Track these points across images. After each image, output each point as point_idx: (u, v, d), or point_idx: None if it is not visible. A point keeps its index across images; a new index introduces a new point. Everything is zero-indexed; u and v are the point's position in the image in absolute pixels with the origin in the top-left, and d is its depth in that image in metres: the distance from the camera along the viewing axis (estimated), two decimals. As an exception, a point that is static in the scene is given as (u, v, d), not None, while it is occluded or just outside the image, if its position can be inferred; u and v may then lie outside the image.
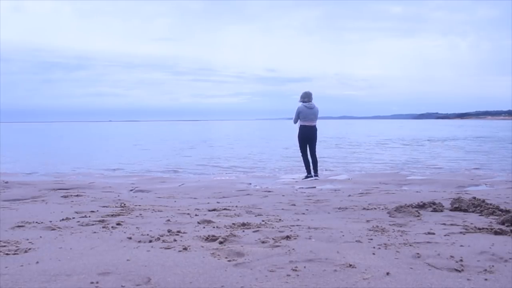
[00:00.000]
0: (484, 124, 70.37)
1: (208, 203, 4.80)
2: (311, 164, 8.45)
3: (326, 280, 1.91)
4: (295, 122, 8.46)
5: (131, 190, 6.25)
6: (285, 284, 1.87)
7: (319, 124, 8.53)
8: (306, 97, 8.34)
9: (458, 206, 3.98)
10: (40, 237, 2.81)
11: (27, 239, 2.72)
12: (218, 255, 2.32)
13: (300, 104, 8.32)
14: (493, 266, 2.11)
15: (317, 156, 8.60)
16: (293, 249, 2.42)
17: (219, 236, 2.73)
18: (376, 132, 38.41)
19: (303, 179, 8.17)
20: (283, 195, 5.44)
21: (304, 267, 2.09)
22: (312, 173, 8.35)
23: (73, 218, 3.59)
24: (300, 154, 8.58)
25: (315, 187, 6.75)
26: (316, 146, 8.63)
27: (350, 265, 2.11)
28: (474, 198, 4.20)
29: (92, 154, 15.94)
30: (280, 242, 2.59)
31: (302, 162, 8.57)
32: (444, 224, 3.30)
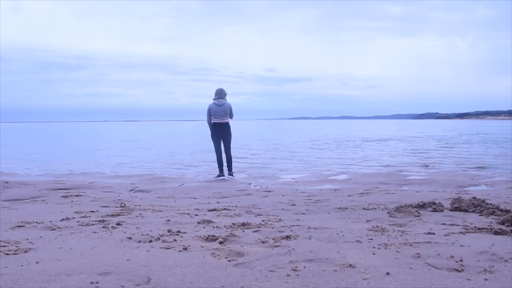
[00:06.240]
0: (472, 124, 69.85)
1: (208, 203, 4.80)
2: (224, 163, 8.42)
3: (326, 280, 1.91)
4: (209, 121, 8.35)
5: (131, 190, 6.26)
6: (285, 284, 1.87)
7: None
8: (217, 95, 8.32)
9: (458, 206, 3.98)
10: (40, 237, 2.81)
11: (27, 239, 2.72)
12: (218, 255, 2.32)
13: (211, 102, 8.30)
14: (493, 266, 2.11)
15: (232, 154, 8.56)
16: (293, 249, 2.42)
17: (219, 236, 2.73)
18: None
19: (215, 177, 8.19)
20: (283, 195, 5.44)
21: (304, 267, 2.09)
22: (227, 172, 8.34)
23: (73, 218, 3.59)
24: (215, 152, 8.49)
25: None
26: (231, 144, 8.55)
27: (350, 265, 2.11)
28: (474, 198, 4.20)
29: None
30: (280, 242, 2.59)
31: (216, 161, 8.48)
32: (444, 224, 3.30)
